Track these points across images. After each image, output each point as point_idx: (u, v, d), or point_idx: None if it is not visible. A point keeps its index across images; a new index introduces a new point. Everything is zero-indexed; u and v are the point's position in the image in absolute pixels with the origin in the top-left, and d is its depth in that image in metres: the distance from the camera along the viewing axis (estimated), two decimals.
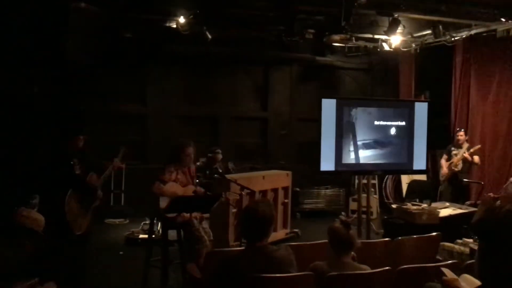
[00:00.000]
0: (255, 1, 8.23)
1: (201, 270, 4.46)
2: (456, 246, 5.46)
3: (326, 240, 3.67)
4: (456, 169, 8.96)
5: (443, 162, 9.18)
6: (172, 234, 5.69)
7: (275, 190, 8.16)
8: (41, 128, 8.40)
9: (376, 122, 7.49)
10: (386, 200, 10.87)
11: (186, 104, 10.72)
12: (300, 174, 9.57)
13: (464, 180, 9.01)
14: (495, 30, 8.29)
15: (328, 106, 7.26)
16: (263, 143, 11.41)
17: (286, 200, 8.42)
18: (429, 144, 7.70)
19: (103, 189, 6.14)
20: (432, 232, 5.00)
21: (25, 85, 8.44)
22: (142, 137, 10.43)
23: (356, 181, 9.29)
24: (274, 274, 3.16)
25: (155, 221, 6.15)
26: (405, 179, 10.65)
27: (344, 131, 7.29)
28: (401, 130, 7.54)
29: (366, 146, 7.41)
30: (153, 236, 6.11)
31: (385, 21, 8.33)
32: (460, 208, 7.50)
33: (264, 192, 7.86)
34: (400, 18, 8.08)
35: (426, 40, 9.37)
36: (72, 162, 5.76)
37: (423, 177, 10.13)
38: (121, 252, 7.45)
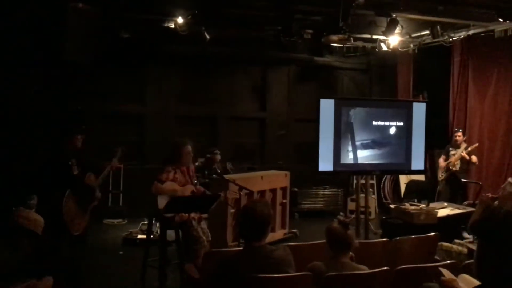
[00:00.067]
0: (253, 1, 8.23)
1: (199, 270, 4.46)
2: (454, 246, 5.46)
3: (324, 240, 3.67)
4: (454, 169, 8.98)
5: (441, 161, 9.21)
6: (170, 234, 5.69)
7: (273, 191, 8.16)
8: (40, 128, 8.40)
9: (374, 122, 7.49)
10: (384, 200, 10.88)
11: (185, 104, 10.71)
12: (298, 174, 9.57)
13: (462, 180, 9.03)
14: (493, 31, 8.31)
15: (326, 106, 7.26)
16: (262, 143, 11.41)
17: (284, 201, 8.43)
18: (427, 144, 7.71)
19: (101, 190, 6.15)
20: (430, 232, 5.00)
21: (23, 85, 8.45)
22: (141, 137, 10.42)
23: (355, 181, 9.30)
24: (272, 274, 3.16)
25: (153, 222, 6.16)
26: (403, 179, 10.65)
27: (342, 131, 7.30)
28: (399, 130, 7.55)
29: (364, 146, 7.42)
30: (151, 236, 6.11)
31: (383, 21, 8.33)
32: (458, 208, 7.50)
33: (262, 193, 7.86)
34: (398, 19, 8.09)
35: (424, 40, 9.38)
36: (70, 163, 5.77)
37: (421, 177, 10.13)
38: (121, 252, 7.44)
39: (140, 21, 8.75)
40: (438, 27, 8.49)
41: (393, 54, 10.25)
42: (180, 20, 8.41)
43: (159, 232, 6.12)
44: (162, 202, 5.50)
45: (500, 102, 9.35)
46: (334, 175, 9.25)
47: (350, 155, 7.38)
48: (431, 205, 7.45)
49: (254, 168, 9.86)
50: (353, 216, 8.49)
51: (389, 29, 8.25)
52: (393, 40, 9.26)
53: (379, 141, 7.48)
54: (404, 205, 7.44)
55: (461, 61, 10.01)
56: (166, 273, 5.51)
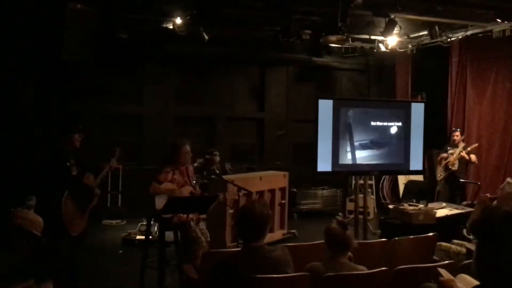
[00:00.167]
0: (252, 1, 8.23)
1: (197, 271, 4.46)
2: (453, 246, 5.46)
3: (323, 241, 3.67)
4: (453, 168, 8.99)
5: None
6: (169, 235, 5.69)
7: (272, 191, 8.17)
8: (38, 128, 8.39)
9: (372, 123, 7.50)
10: (383, 201, 10.89)
11: (183, 105, 10.71)
12: (297, 175, 9.57)
13: (461, 180, 9.04)
14: (491, 31, 8.32)
15: (325, 107, 7.27)
16: (260, 143, 11.41)
17: (283, 201, 8.43)
18: (426, 144, 7.72)
19: (100, 190, 6.14)
20: (428, 233, 5.01)
21: (22, 85, 8.44)
22: (139, 138, 10.41)
23: (353, 181, 9.30)
24: (271, 274, 3.16)
25: (152, 222, 6.15)
26: (402, 180, 10.66)
27: (341, 131, 7.30)
28: (397, 130, 7.55)
29: (363, 147, 7.42)
30: (150, 237, 6.11)
31: (382, 22, 8.34)
32: (457, 208, 7.51)
33: (261, 193, 7.86)
34: (396, 19, 8.09)
35: (422, 40, 9.39)
36: (68, 163, 5.76)
37: (419, 178, 10.14)
38: (120, 251, 7.44)
39: (139, 22, 8.74)
40: (436, 27, 8.50)
41: (392, 54, 10.26)
42: (178, 20, 8.40)
43: (157, 232, 6.12)
44: (159, 202, 5.51)
45: (498, 102, 9.36)
46: (333, 176, 9.25)
47: (349, 156, 7.38)
48: (430, 205, 7.46)
49: (252, 168, 9.85)
50: (352, 216, 8.49)
51: (387, 29, 8.25)
52: (391, 41, 9.27)
53: (377, 141, 7.49)
54: (403, 205, 7.45)
55: (459, 62, 10.03)
56: (164, 274, 5.50)
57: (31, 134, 8.32)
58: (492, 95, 9.45)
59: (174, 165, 5.86)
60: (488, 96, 9.50)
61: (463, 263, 3.83)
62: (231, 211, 7.13)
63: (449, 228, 6.54)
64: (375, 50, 9.97)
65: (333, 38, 9.11)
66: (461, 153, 8.86)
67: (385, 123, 7.56)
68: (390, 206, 7.87)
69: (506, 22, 7.84)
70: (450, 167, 9.02)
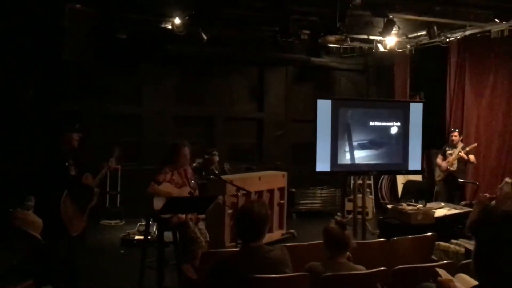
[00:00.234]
0: (251, 2, 8.24)
1: (196, 271, 4.47)
2: (452, 246, 5.47)
3: (322, 241, 3.68)
4: (451, 169, 9.00)
5: (439, 161, 9.22)
6: (168, 235, 5.69)
7: (271, 191, 8.16)
8: (37, 128, 8.39)
9: (371, 123, 7.51)
10: (381, 201, 10.89)
11: (182, 105, 10.70)
12: (295, 175, 9.58)
13: (460, 180, 9.05)
14: (489, 31, 8.32)
15: (324, 107, 7.28)
16: (259, 143, 11.40)
17: (282, 201, 8.42)
18: (424, 144, 7.73)
19: (99, 190, 6.14)
20: (427, 232, 5.02)
21: (20, 85, 8.44)
22: (138, 138, 10.40)
23: (352, 181, 9.30)
24: (270, 274, 3.16)
25: (151, 223, 6.15)
26: (401, 180, 10.67)
27: (340, 131, 7.31)
28: (396, 130, 7.57)
29: (362, 147, 7.43)
30: (149, 237, 6.10)
31: (380, 22, 8.34)
32: (455, 208, 7.52)
33: (260, 193, 7.86)
34: (395, 19, 8.10)
35: (421, 41, 9.40)
36: (67, 163, 5.76)
37: (418, 178, 10.15)
38: (122, 251, 7.41)
39: (138, 22, 8.74)
40: (435, 27, 8.50)
41: (390, 54, 10.27)
42: (177, 20, 8.40)
43: (156, 233, 6.12)
44: (157, 203, 5.51)
45: (496, 102, 9.37)
46: (332, 176, 9.26)
47: (348, 156, 7.39)
48: (428, 205, 7.47)
49: (251, 168, 9.85)
50: (351, 216, 8.49)
51: (386, 29, 8.26)
52: (390, 41, 9.27)
53: (376, 141, 7.50)
54: (401, 205, 7.45)
55: (457, 62, 10.04)
56: (164, 274, 5.50)
57: (30, 134, 8.32)
58: (490, 95, 9.46)
59: (173, 166, 5.87)
60: (487, 96, 9.51)
61: (461, 262, 3.83)
62: (230, 211, 7.13)
63: (447, 228, 6.55)
64: (373, 50, 9.97)
65: (332, 38, 9.10)
66: (460, 154, 8.87)
67: (384, 123, 7.57)
68: (389, 206, 7.88)
69: (504, 22, 7.85)
70: (448, 167, 9.03)
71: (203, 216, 6.20)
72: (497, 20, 7.82)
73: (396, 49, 9.71)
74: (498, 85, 9.34)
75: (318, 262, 3.58)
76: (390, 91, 11.40)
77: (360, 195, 7.95)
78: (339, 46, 10.22)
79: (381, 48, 9.62)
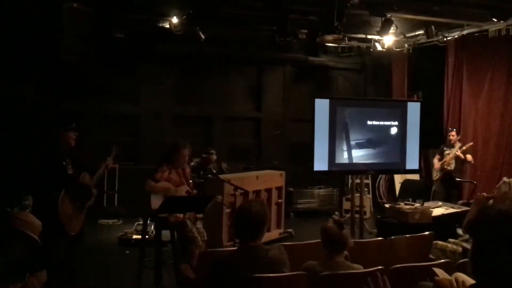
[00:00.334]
0: (248, 1, 8.23)
1: (194, 271, 4.46)
2: (449, 245, 5.48)
3: (320, 240, 3.68)
4: (448, 168, 9.01)
5: (436, 161, 9.24)
6: (166, 234, 5.68)
7: (268, 190, 8.17)
8: (34, 128, 8.38)
9: (369, 122, 7.51)
10: (379, 200, 10.90)
11: (179, 105, 10.70)
12: (293, 174, 9.59)
13: (457, 179, 9.06)
14: (487, 30, 8.34)
15: (321, 106, 7.27)
16: (257, 143, 11.41)
17: (279, 200, 8.43)
18: (422, 143, 7.73)
19: (96, 190, 6.13)
20: (425, 231, 5.02)
21: (19, 85, 8.42)
22: (136, 138, 10.40)
23: (350, 180, 9.31)
24: (267, 274, 3.16)
25: (148, 222, 6.15)
26: (398, 179, 10.68)
27: (337, 131, 7.31)
28: (394, 130, 7.57)
29: (359, 146, 7.44)
30: (147, 236, 6.10)
31: (378, 21, 8.35)
32: (453, 208, 7.52)
33: (257, 192, 7.86)
34: (392, 18, 8.11)
35: (418, 40, 9.41)
36: (64, 163, 5.75)
37: (416, 177, 10.16)
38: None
39: (135, 21, 8.73)
40: (433, 27, 8.52)
41: (388, 54, 10.27)
42: (175, 20, 8.40)
43: (154, 232, 6.12)
44: (155, 202, 5.51)
45: (494, 101, 9.39)
46: (329, 175, 9.26)
47: (345, 155, 7.39)
48: (426, 204, 7.47)
49: (249, 168, 9.86)
50: (348, 215, 8.50)
51: (384, 29, 8.27)
52: (388, 40, 9.28)
53: (374, 140, 7.50)
54: (399, 204, 7.45)
55: (455, 61, 10.05)
56: (161, 273, 5.50)
57: (27, 133, 8.31)
58: (488, 94, 9.47)
59: (171, 165, 5.87)
60: (484, 95, 9.52)
61: (459, 262, 3.83)
62: (228, 210, 7.13)
63: (445, 227, 6.56)
64: (371, 50, 9.98)
65: (330, 37, 9.11)
66: (457, 153, 8.88)
67: (382, 123, 7.57)
68: (387, 205, 7.88)
69: (502, 21, 7.86)
70: (446, 166, 9.04)
71: (201, 215, 6.20)
72: (494, 20, 7.82)
73: (394, 49, 9.72)
74: (496, 84, 9.35)
75: (315, 261, 3.58)
76: (388, 91, 11.41)
77: (358, 194, 7.95)
78: (337, 45, 10.23)
79: (379, 48, 9.62)
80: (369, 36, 9.51)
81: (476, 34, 8.65)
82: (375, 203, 10.74)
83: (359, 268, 3.58)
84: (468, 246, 4.74)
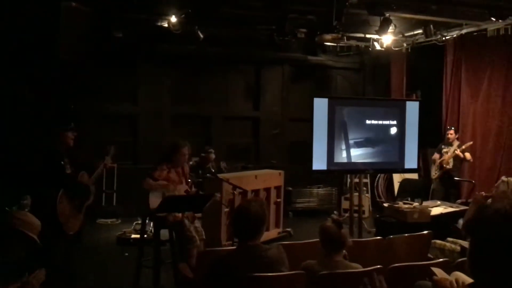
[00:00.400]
0: (247, 0, 8.23)
1: (193, 270, 4.46)
2: (448, 244, 5.48)
3: (318, 239, 3.68)
4: (447, 167, 9.02)
5: (436, 156, 9.23)
6: (164, 233, 5.68)
7: (267, 190, 8.17)
8: (32, 128, 8.36)
9: (367, 121, 7.52)
10: (378, 199, 10.91)
11: (178, 104, 10.70)
12: (292, 173, 9.58)
13: (456, 178, 9.07)
14: (485, 30, 8.35)
15: (320, 105, 7.28)
16: (256, 142, 11.41)
17: (278, 199, 8.43)
18: (420, 143, 7.74)
19: (95, 189, 6.14)
20: (423, 231, 5.03)
21: (16, 84, 8.41)
22: (134, 137, 10.40)
23: (348, 180, 9.31)
24: (266, 273, 3.16)
25: (147, 221, 6.14)
26: (397, 178, 10.68)
27: (336, 130, 7.31)
28: (392, 129, 7.57)
29: (358, 145, 7.44)
30: (145, 236, 6.09)
31: (377, 20, 8.35)
32: (451, 207, 7.53)
33: (256, 192, 7.86)
34: (391, 18, 8.11)
35: (417, 39, 9.41)
36: (63, 162, 5.75)
37: (414, 176, 10.17)
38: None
39: (134, 20, 8.72)
40: (431, 26, 8.52)
41: (387, 53, 10.28)
42: (173, 19, 8.39)
43: (153, 231, 6.12)
44: (153, 201, 5.50)
45: (492, 101, 9.39)
46: (328, 174, 9.26)
47: (344, 154, 7.40)
48: (425, 203, 7.47)
49: (248, 167, 9.86)
50: (347, 214, 8.51)
51: (382, 28, 8.27)
52: (386, 39, 9.29)
53: (372, 140, 7.51)
54: (398, 203, 7.46)
55: (454, 60, 10.05)
56: (160, 273, 5.50)
57: (26, 133, 8.29)
58: (486, 93, 9.47)
59: (170, 164, 5.86)
60: (483, 95, 9.53)
61: (457, 261, 3.83)
62: (227, 209, 7.13)
63: (443, 226, 6.56)
64: (370, 49, 9.99)
65: (328, 36, 9.11)
66: (456, 152, 8.89)
67: (380, 122, 7.58)
68: (385, 205, 7.88)
69: (500, 20, 7.87)
70: (444, 165, 9.05)
71: (199, 214, 6.19)
72: (493, 19, 7.83)
73: (393, 48, 9.73)
74: (494, 83, 9.35)
75: (314, 261, 3.58)
76: (386, 90, 11.41)
77: (356, 194, 7.96)
78: (335, 44, 10.23)
79: (378, 47, 9.62)
80: (367, 36, 9.51)
81: (475, 34, 8.65)
82: (373, 202, 10.74)
83: (358, 267, 3.58)
84: (466, 245, 4.75)
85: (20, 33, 8.08)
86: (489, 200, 4.83)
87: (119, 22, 8.67)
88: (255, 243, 3.24)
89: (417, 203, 7.35)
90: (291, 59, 11.32)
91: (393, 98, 10.83)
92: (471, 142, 9.01)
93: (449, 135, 9.16)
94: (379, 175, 10.88)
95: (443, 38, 8.92)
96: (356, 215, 7.78)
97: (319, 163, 7.28)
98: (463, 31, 8.64)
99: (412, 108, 7.68)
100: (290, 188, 10.14)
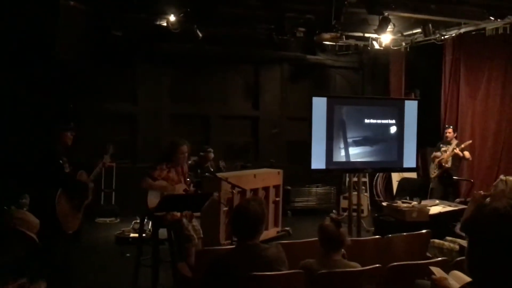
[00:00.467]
0: None
1: (191, 269, 4.47)
2: (446, 243, 5.48)
3: (317, 238, 3.68)
4: (446, 165, 9.02)
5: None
6: (163, 232, 5.68)
7: (266, 189, 8.17)
8: (30, 127, 8.35)
9: (366, 120, 7.52)
10: (376, 198, 10.92)
11: (177, 103, 10.69)
12: (291, 173, 9.58)
13: (454, 177, 9.07)
14: (484, 29, 8.35)
15: (319, 105, 7.28)
16: (254, 141, 11.41)
17: (277, 199, 8.43)
18: (419, 142, 7.75)
19: (94, 188, 6.14)
20: (422, 230, 5.03)
21: (15, 84, 8.39)
22: (133, 136, 10.39)
23: (347, 179, 9.32)
24: (265, 272, 3.16)
25: (145, 220, 6.14)
26: (396, 177, 10.69)
27: (335, 129, 7.32)
28: (391, 128, 7.58)
29: (356, 143, 7.45)
30: (144, 235, 6.09)
31: (375, 19, 8.35)
32: (450, 206, 7.54)
33: (255, 191, 7.86)
34: (390, 17, 8.11)
35: (416, 38, 9.42)
36: (61, 161, 5.75)
37: (413, 175, 10.17)
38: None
39: (132, 19, 8.71)
40: (430, 25, 8.52)
41: (385, 52, 10.29)
42: (172, 18, 8.39)
43: (151, 230, 6.11)
44: (151, 200, 5.50)
45: (491, 100, 9.40)
46: (327, 173, 9.27)
47: (342, 152, 7.40)
48: (423, 202, 7.48)
49: (247, 166, 9.85)
50: (346, 213, 8.51)
51: (381, 27, 8.27)
52: (385, 38, 9.29)
53: (371, 138, 7.51)
54: (396, 202, 7.47)
55: (452, 60, 10.06)
56: (158, 272, 5.49)
57: (24, 133, 8.28)
58: (485, 92, 9.49)
59: (170, 163, 5.85)
60: (481, 94, 9.54)
61: (456, 260, 3.84)
62: (225, 209, 7.13)
63: (442, 225, 6.56)
64: (369, 48, 9.99)
65: (327, 36, 9.11)
66: (455, 150, 8.89)
67: (379, 121, 7.58)
68: (384, 204, 7.89)
69: (499, 20, 7.87)
70: (443, 164, 9.05)
71: (198, 213, 6.19)
72: (491, 18, 7.84)
73: (391, 47, 9.73)
74: (493, 82, 9.37)
75: (313, 260, 3.58)
76: (385, 89, 11.41)
77: (355, 193, 7.96)
78: (334, 43, 10.22)
79: (377, 46, 9.63)
80: (366, 35, 9.51)
81: (474, 33, 8.65)
82: (372, 201, 10.75)
83: (357, 266, 3.58)
84: (465, 244, 4.76)
85: (19, 32, 8.07)
86: (488, 199, 4.84)
87: (118, 21, 8.65)
88: (254, 242, 3.24)
89: (415, 202, 7.35)
90: (290, 58, 11.31)
91: (392, 97, 10.83)
92: (470, 141, 9.01)
93: (448, 134, 9.16)
94: (377, 174, 10.89)
95: (442, 37, 8.92)
96: (354, 214, 7.79)
97: (318, 162, 7.28)
98: (462, 30, 8.64)
99: (411, 107, 7.69)
100: (289, 187, 10.15)
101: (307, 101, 7.71)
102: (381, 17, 8.10)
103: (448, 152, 8.98)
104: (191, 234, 5.55)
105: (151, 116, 10.43)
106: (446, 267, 3.11)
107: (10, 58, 8.15)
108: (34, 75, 8.64)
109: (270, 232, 8.05)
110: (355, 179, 8.19)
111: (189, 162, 7.76)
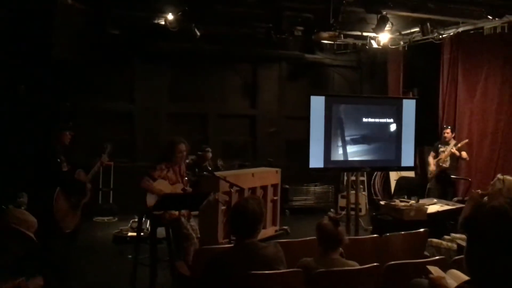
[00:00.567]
0: None
1: (189, 268, 4.46)
2: (444, 242, 5.49)
3: (315, 237, 3.69)
4: (444, 165, 9.03)
5: (431, 159, 9.27)
6: (161, 231, 5.68)
7: (264, 187, 8.17)
8: (28, 126, 8.34)
9: (364, 119, 7.52)
10: (374, 197, 10.93)
11: (175, 102, 10.69)
12: (289, 171, 9.59)
13: (452, 177, 9.09)
14: (482, 28, 8.35)
15: (317, 103, 7.28)
16: (252, 140, 11.41)
17: (275, 197, 8.44)
18: (417, 140, 7.75)
19: (92, 187, 6.13)
20: (419, 228, 5.03)
21: (12, 83, 8.38)
22: (131, 135, 10.38)
23: (345, 178, 9.32)
24: (263, 271, 3.16)
25: (143, 219, 6.14)
26: (394, 176, 10.70)
27: (333, 128, 7.32)
28: (389, 127, 7.58)
29: (354, 142, 7.46)
30: (142, 234, 6.09)
31: (374, 18, 8.35)
32: (448, 205, 7.55)
33: (253, 189, 7.86)
34: (388, 16, 8.11)
35: (414, 37, 9.42)
36: (59, 160, 5.74)
37: (411, 174, 10.19)
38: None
39: (130, 18, 8.71)
40: (428, 24, 8.52)
41: (383, 51, 10.29)
42: (170, 16, 8.38)
43: (149, 229, 6.11)
44: (150, 199, 5.50)
45: (489, 99, 9.41)
46: (325, 172, 9.27)
47: (340, 151, 7.41)
48: (421, 201, 7.49)
49: (245, 165, 9.86)
50: (344, 212, 8.52)
51: (379, 26, 8.27)
52: (383, 37, 9.29)
53: (369, 137, 7.52)
54: (394, 201, 7.46)
55: (450, 59, 10.07)
56: (156, 271, 5.49)
57: (22, 132, 8.27)
58: (483, 91, 9.50)
59: (169, 163, 5.84)
60: (479, 93, 9.55)
61: (453, 258, 3.85)
62: (223, 207, 7.13)
63: (440, 224, 6.57)
64: (367, 47, 9.98)
65: (325, 34, 9.10)
66: (452, 150, 8.91)
67: (377, 120, 7.59)
68: (382, 202, 7.89)
69: (497, 19, 7.87)
70: (441, 164, 9.06)
71: (196, 212, 6.19)
72: (489, 17, 7.84)
73: (390, 46, 9.73)
74: (491, 82, 9.38)
75: (311, 258, 3.58)
76: (383, 88, 11.42)
77: (353, 192, 7.96)
78: (332, 42, 10.21)
79: (375, 45, 9.62)
80: (364, 34, 9.50)
81: (472, 32, 8.66)
82: (370, 200, 10.76)
83: (354, 265, 3.58)
84: (463, 243, 4.76)
85: (16, 31, 8.05)
86: (485, 198, 4.85)
87: (116, 19, 8.64)
88: (252, 241, 3.24)
89: (413, 201, 7.35)
90: (288, 57, 11.31)
91: (390, 96, 10.84)
92: (467, 140, 9.03)
93: (446, 134, 9.18)
94: (375, 173, 10.90)
95: (440, 36, 8.92)
96: (352, 213, 7.80)
97: (316, 161, 7.29)
98: (460, 29, 8.64)
99: (409, 106, 7.70)
100: (287, 186, 10.15)
101: (305, 100, 7.71)
102: (379, 16, 8.10)
103: (445, 152, 9.00)
104: (190, 233, 5.56)
105: (149, 115, 10.42)
106: (444, 266, 3.12)
107: (8, 57, 8.13)
108: (32, 74, 8.62)
109: (268, 231, 8.05)
110: (353, 178, 8.19)
111: (187, 161, 7.76)
